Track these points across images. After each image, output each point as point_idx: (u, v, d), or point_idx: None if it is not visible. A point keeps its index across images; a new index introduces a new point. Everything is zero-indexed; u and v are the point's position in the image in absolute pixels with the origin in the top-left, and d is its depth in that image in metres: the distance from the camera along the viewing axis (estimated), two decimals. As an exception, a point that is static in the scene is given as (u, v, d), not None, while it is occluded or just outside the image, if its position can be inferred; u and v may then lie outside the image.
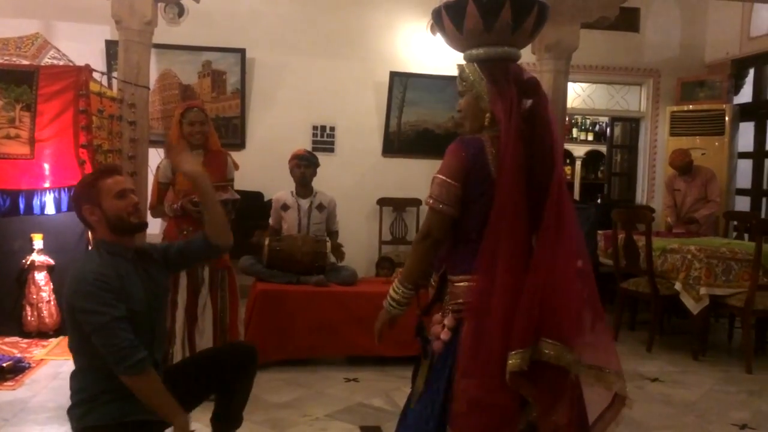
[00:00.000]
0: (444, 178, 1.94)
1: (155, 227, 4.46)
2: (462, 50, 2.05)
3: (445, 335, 1.97)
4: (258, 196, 5.99)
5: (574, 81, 7.05)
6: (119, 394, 2.17)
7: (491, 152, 1.93)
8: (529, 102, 1.97)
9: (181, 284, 3.70)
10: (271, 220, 4.70)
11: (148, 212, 3.97)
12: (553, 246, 1.85)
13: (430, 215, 1.98)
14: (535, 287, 1.81)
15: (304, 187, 4.63)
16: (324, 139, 6.43)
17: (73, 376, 2.28)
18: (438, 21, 2.05)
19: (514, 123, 1.87)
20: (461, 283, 1.96)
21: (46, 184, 4.29)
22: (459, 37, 2.00)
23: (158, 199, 3.81)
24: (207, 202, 2.51)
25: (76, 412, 2.22)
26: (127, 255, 2.30)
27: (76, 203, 2.33)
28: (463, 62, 2.05)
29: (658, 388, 4.19)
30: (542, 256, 1.85)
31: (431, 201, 1.96)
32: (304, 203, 4.62)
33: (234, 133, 6.29)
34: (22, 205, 4.27)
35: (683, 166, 6.07)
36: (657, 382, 4.30)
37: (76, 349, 2.26)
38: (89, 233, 2.36)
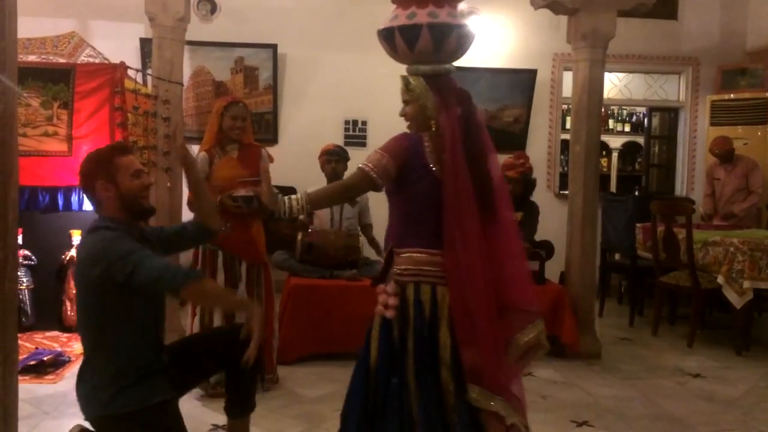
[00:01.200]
0: (384, 153, 2.25)
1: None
2: (409, 64, 2.36)
3: (393, 301, 2.26)
4: (291, 191, 5.96)
5: (611, 71, 6.89)
6: (140, 373, 2.19)
7: (429, 146, 2.27)
8: (460, 109, 2.32)
9: (219, 280, 3.72)
10: None
11: (185, 206, 4.00)
12: (512, 228, 2.40)
13: (359, 176, 2.25)
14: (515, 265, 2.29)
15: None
16: (356, 133, 6.41)
17: (87, 362, 2.24)
18: (389, 39, 2.32)
19: (457, 128, 2.24)
20: (404, 254, 2.28)
21: (84, 181, 4.36)
22: (409, 55, 2.31)
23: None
24: (199, 191, 2.62)
25: (100, 397, 2.16)
26: (134, 234, 2.29)
27: (88, 177, 2.27)
28: (407, 75, 2.37)
29: (700, 385, 4.08)
30: (508, 237, 2.32)
31: (367, 166, 2.23)
32: (337, 198, 4.61)
33: (267, 128, 6.31)
34: (60, 202, 4.36)
35: (723, 153, 5.92)
36: (699, 378, 4.19)
37: (95, 330, 2.22)
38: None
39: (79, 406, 2.24)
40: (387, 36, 2.31)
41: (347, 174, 4.66)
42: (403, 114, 2.43)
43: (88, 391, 2.20)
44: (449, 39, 2.26)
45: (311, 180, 4.96)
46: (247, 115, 3.75)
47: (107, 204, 2.26)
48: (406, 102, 2.39)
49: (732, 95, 6.69)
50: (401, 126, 2.45)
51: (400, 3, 2.30)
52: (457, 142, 2.22)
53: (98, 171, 2.25)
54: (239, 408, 2.51)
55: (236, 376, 2.42)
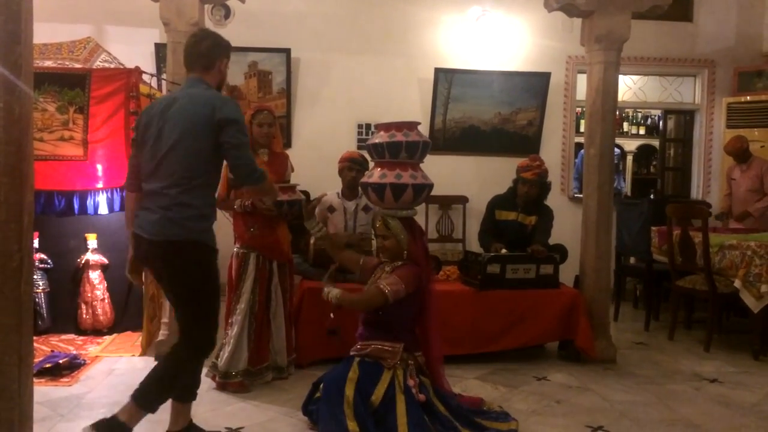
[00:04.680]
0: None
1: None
2: (388, 209, 3.22)
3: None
4: (304, 194, 6.00)
5: (625, 73, 6.87)
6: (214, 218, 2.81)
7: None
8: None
9: (250, 279, 3.86)
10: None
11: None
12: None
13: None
14: None
15: (351, 189, 4.62)
16: (369, 137, 6.40)
17: (192, 189, 2.65)
18: (380, 193, 3.19)
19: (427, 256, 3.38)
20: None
21: (99, 185, 4.40)
22: (393, 203, 3.20)
23: (227, 192, 3.94)
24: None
25: (198, 225, 2.67)
26: None
27: (212, 58, 2.97)
28: (387, 217, 3.21)
29: (717, 390, 4.04)
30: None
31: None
32: (350, 205, 4.61)
33: (280, 132, 6.31)
34: (76, 206, 4.39)
35: (736, 152, 5.88)
36: (716, 383, 4.15)
37: (205, 162, 2.68)
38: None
39: (168, 226, 2.62)
40: (378, 190, 3.18)
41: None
42: (380, 246, 3.26)
43: (190, 215, 2.64)
44: (424, 193, 3.24)
45: (324, 184, 4.98)
46: (273, 122, 3.98)
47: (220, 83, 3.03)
48: (384, 237, 3.21)
49: (748, 97, 6.64)
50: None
51: (386, 165, 3.19)
52: (429, 266, 3.34)
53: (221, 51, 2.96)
54: (185, 396, 2.93)
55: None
